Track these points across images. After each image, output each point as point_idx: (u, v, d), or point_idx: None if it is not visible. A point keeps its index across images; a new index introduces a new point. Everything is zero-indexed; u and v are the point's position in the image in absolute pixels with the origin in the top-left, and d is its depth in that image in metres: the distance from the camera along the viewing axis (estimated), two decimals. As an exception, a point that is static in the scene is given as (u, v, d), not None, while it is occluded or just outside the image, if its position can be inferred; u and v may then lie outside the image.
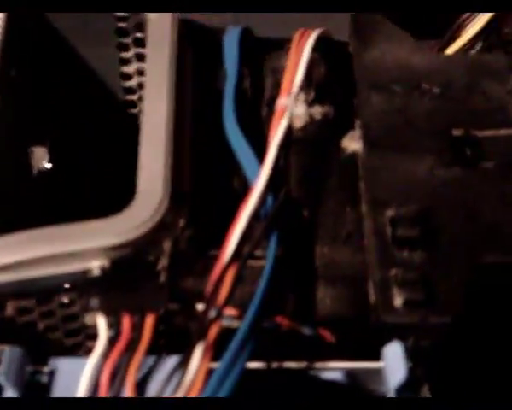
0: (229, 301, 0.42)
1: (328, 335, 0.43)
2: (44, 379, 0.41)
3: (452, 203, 0.46)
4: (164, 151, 0.46)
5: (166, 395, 0.40)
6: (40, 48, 0.57)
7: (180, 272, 0.45)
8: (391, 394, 0.40)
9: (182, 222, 0.46)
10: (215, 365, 0.40)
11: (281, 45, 0.53)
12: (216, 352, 0.40)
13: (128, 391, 0.40)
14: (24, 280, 0.42)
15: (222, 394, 0.39)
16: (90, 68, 0.58)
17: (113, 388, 0.40)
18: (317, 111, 0.51)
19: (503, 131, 0.49)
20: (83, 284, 0.43)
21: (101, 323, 0.42)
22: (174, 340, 0.44)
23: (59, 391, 0.41)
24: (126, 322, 0.42)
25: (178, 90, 0.49)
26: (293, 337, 0.43)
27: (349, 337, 0.43)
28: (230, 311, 0.43)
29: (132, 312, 0.42)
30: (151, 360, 0.41)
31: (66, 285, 0.43)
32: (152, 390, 0.41)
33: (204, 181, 0.49)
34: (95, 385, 0.40)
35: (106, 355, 0.41)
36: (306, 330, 0.43)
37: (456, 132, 0.49)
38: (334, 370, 0.42)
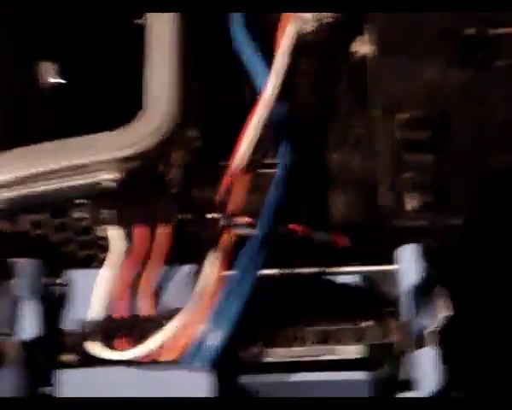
0: (241, 209, 0.42)
1: (341, 240, 0.43)
2: (60, 291, 0.42)
3: (464, 105, 0.45)
4: (171, 62, 0.45)
5: (180, 304, 0.40)
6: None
7: (191, 183, 0.45)
8: (405, 295, 0.40)
9: (191, 133, 0.46)
10: (229, 273, 0.40)
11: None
12: (230, 261, 0.41)
13: (143, 301, 0.41)
14: (37, 194, 0.42)
15: (236, 301, 0.40)
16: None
17: (127, 298, 0.41)
18: (326, 15, 0.50)
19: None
20: (95, 196, 0.43)
21: (114, 235, 0.42)
22: (187, 250, 0.44)
23: (74, 302, 0.41)
24: (138, 232, 0.42)
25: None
26: (307, 244, 0.43)
27: (362, 242, 0.43)
28: (243, 219, 0.42)
29: (144, 223, 0.42)
30: (165, 269, 0.42)
31: (79, 198, 0.43)
32: (167, 300, 0.41)
33: (213, 91, 0.48)
34: (110, 295, 0.41)
35: (119, 266, 0.41)
36: (320, 236, 0.43)
37: (468, 31, 0.48)
38: (348, 274, 0.42)
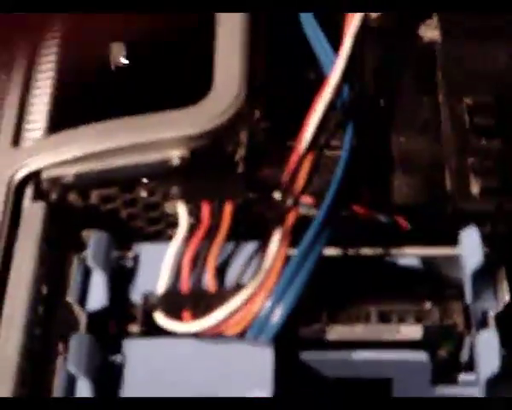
0: (306, 189, 0.42)
1: (404, 222, 0.44)
2: (129, 264, 0.43)
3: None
4: (240, 44, 0.46)
5: (245, 280, 0.41)
6: None
7: (257, 163, 0.46)
8: (467, 278, 0.41)
9: (258, 113, 0.46)
10: (293, 252, 0.41)
11: None
12: (294, 240, 0.41)
13: (209, 276, 0.41)
14: (106, 169, 0.44)
15: (299, 279, 0.40)
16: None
17: (194, 273, 0.42)
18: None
19: None
20: (163, 173, 0.44)
21: (182, 210, 0.43)
22: (252, 228, 0.45)
23: (142, 275, 0.43)
24: (206, 209, 0.43)
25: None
26: (370, 225, 0.44)
27: (425, 225, 0.44)
28: (307, 199, 0.43)
29: (211, 200, 0.43)
30: (230, 246, 0.43)
31: (148, 174, 0.44)
32: (231, 276, 0.42)
33: (280, 73, 0.49)
34: (177, 270, 0.42)
35: (187, 241, 0.42)
36: (383, 218, 0.44)
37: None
38: (410, 256, 0.42)
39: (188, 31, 0.55)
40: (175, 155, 0.44)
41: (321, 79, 0.46)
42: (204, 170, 0.44)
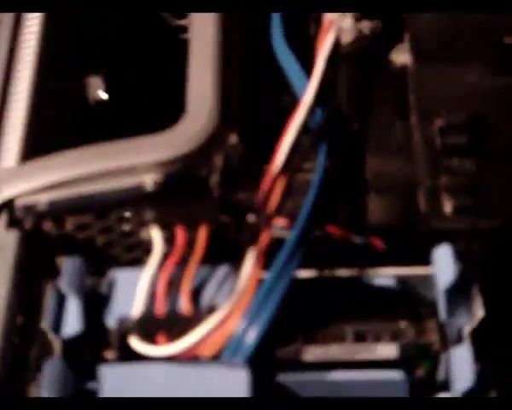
0: (279, 211, 0.43)
1: (378, 242, 0.44)
2: (104, 289, 0.43)
3: (501, 110, 0.46)
4: (212, 69, 0.47)
5: (219, 303, 0.41)
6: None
7: (231, 187, 0.46)
8: (441, 296, 0.41)
9: (232, 138, 0.47)
10: (266, 274, 0.41)
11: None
12: (267, 262, 0.41)
13: (183, 299, 0.41)
14: (80, 196, 0.44)
15: (273, 299, 0.40)
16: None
17: (168, 296, 0.42)
18: (366, 26, 0.51)
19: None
20: (137, 198, 0.44)
21: (156, 235, 0.43)
22: (226, 251, 0.45)
23: (116, 300, 0.42)
24: (180, 234, 0.43)
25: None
26: (345, 246, 0.44)
27: (400, 245, 0.44)
28: (281, 221, 0.43)
29: (186, 224, 0.43)
30: (205, 269, 0.43)
31: (122, 200, 0.44)
32: (205, 299, 0.42)
33: (253, 98, 0.50)
34: (152, 294, 0.42)
35: (161, 266, 0.42)
36: (358, 239, 0.44)
37: (509, 40, 0.49)
38: (385, 276, 0.43)
39: (160, 56, 0.56)
40: (148, 180, 0.44)
41: (294, 104, 0.47)
42: (178, 194, 0.44)
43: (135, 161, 0.44)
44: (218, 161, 0.46)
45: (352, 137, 0.48)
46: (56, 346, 0.41)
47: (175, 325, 0.40)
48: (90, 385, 0.40)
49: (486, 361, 0.38)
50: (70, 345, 0.41)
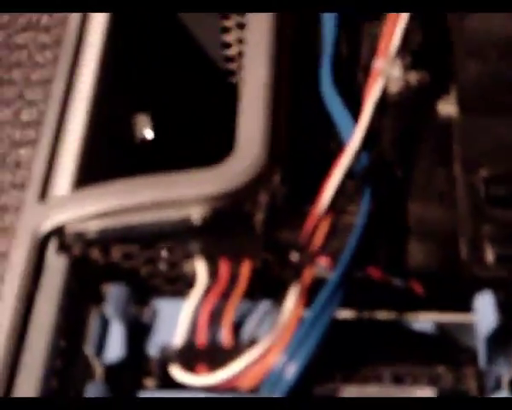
0: (322, 250, 0.43)
1: (418, 287, 0.44)
2: (146, 318, 0.44)
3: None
4: (263, 110, 0.48)
5: (260, 337, 0.41)
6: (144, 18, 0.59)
7: (275, 225, 0.47)
8: (481, 343, 0.41)
9: (277, 178, 0.48)
10: (307, 313, 0.41)
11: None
12: (309, 301, 0.42)
13: (225, 331, 0.42)
14: (128, 226, 0.45)
15: (312, 339, 0.41)
16: (192, 36, 0.60)
17: (210, 328, 0.42)
18: (413, 77, 0.52)
19: None
20: (183, 230, 0.45)
21: (200, 267, 0.44)
22: (268, 288, 0.46)
23: (159, 330, 0.43)
24: (224, 267, 0.44)
25: (277, 54, 0.51)
26: (385, 289, 0.44)
27: (440, 291, 0.44)
28: (324, 261, 0.44)
29: (230, 258, 0.44)
30: (247, 304, 0.43)
31: (168, 232, 0.45)
32: (247, 332, 0.43)
33: (300, 141, 0.51)
34: (193, 325, 0.43)
35: (204, 298, 0.43)
36: (398, 282, 0.44)
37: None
38: (424, 322, 0.43)
39: (207, 98, 0.58)
40: (195, 214, 0.45)
41: (339, 147, 0.48)
42: (223, 229, 0.45)
43: (183, 193, 0.45)
44: (264, 198, 0.47)
45: (396, 182, 0.48)
46: (98, 370, 0.42)
47: (215, 357, 0.41)
48: (129, 411, 0.41)
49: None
50: (112, 371, 0.42)
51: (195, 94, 0.63)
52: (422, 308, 0.43)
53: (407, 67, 0.52)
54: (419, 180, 0.48)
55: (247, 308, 0.43)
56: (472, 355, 0.41)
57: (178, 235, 0.45)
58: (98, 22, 0.54)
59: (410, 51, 0.52)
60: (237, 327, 0.43)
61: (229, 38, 0.59)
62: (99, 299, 0.44)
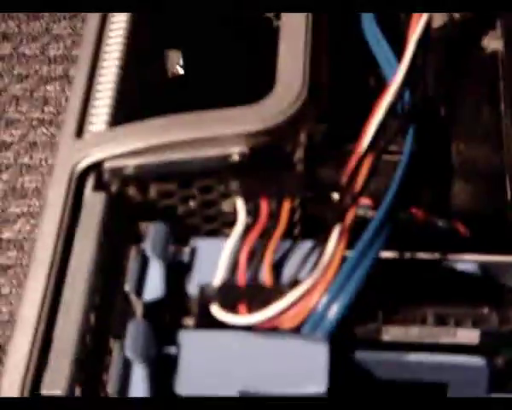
0: (364, 191, 0.42)
1: (462, 228, 0.43)
2: (185, 258, 0.43)
3: None
4: (303, 45, 0.47)
5: (301, 277, 0.41)
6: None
7: (316, 164, 0.46)
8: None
9: (318, 115, 0.47)
10: (349, 253, 0.41)
11: None
12: (351, 241, 0.41)
13: (265, 271, 0.41)
14: (166, 162, 0.44)
15: (355, 279, 0.40)
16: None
17: (250, 267, 0.42)
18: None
19: None
20: (222, 168, 0.44)
21: (241, 205, 0.43)
22: (309, 228, 0.45)
23: (198, 269, 0.43)
24: (264, 206, 0.43)
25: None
26: (428, 229, 0.44)
27: (485, 232, 0.43)
28: (366, 201, 0.43)
29: (270, 197, 0.43)
30: (287, 244, 0.43)
31: (207, 170, 0.45)
32: (287, 273, 0.42)
33: (341, 77, 0.49)
34: (233, 265, 0.42)
35: (244, 237, 0.43)
36: (441, 223, 0.44)
37: None
38: (468, 261, 0.42)
39: (251, 31, 0.56)
40: (235, 152, 0.44)
41: (381, 86, 0.46)
42: (263, 167, 0.44)
43: (222, 131, 0.44)
44: (304, 137, 0.46)
45: (440, 121, 0.47)
46: (138, 309, 0.42)
47: (256, 296, 0.40)
48: (170, 350, 0.41)
49: None
50: (151, 309, 0.42)
51: (230, 32, 0.61)
52: (466, 249, 0.43)
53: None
54: (464, 118, 0.47)
55: (288, 248, 0.43)
56: (517, 297, 0.41)
57: (217, 173, 0.45)
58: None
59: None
60: (278, 267, 0.42)
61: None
62: (138, 238, 0.44)
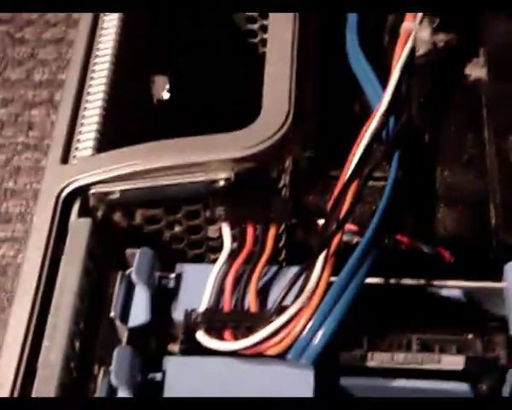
0: (349, 217, 0.42)
1: (447, 254, 0.44)
2: (171, 283, 0.43)
3: None
4: (289, 71, 0.47)
5: (287, 303, 0.41)
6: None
7: (301, 190, 0.46)
8: (511, 312, 0.40)
9: (303, 141, 0.47)
10: (335, 279, 0.41)
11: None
12: (336, 267, 0.41)
13: (251, 297, 0.42)
14: (152, 187, 0.44)
15: (340, 305, 0.40)
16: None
17: (236, 293, 0.42)
18: (441, 38, 0.51)
19: None
20: (208, 194, 0.44)
21: (226, 231, 0.43)
22: (295, 255, 0.45)
23: (184, 295, 0.43)
24: (250, 232, 0.43)
25: (303, 17, 0.50)
26: (413, 255, 0.44)
27: (469, 258, 0.44)
28: (351, 226, 0.43)
29: (256, 222, 0.43)
30: (272, 269, 0.43)
31: (193, 195, 0.45)
32: (273, 299, 0.42)
33: (326, 105, 0.50)
34: (219, 291, 0.42)
35: (230, 263, 0.43)
36: (426, 249, 0.44)
37: None
38: (453, 288, 0.42)
39: (237, 57, 0.57)
40: (220, 177, 0.44)
41: (366, 112, 0.47)
42: (248, 193, 0.44)
43: (208, 157, 0.44)
44: (289, 163, 0.46)
45: (424, 148, 0.48)
46: (124, 335, 0.42)
47: (241, 322, 0.40)
48: (155, 376, 0.40)
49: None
50: (136, 335, 0.42)
51: (218, 55, 0.61)
52: (451, 275, 0.43)
53: (435, 29, 0.51)
54: (448, 145, 0.48)
55: (274, 274, 0.43)
56: (502, 323, 0.41)
57: (203, 199, 0.45)
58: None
59: (438, 12, 0.51)
60: (263, 293, 0.42)
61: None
62: (123, 264, 0.44)
